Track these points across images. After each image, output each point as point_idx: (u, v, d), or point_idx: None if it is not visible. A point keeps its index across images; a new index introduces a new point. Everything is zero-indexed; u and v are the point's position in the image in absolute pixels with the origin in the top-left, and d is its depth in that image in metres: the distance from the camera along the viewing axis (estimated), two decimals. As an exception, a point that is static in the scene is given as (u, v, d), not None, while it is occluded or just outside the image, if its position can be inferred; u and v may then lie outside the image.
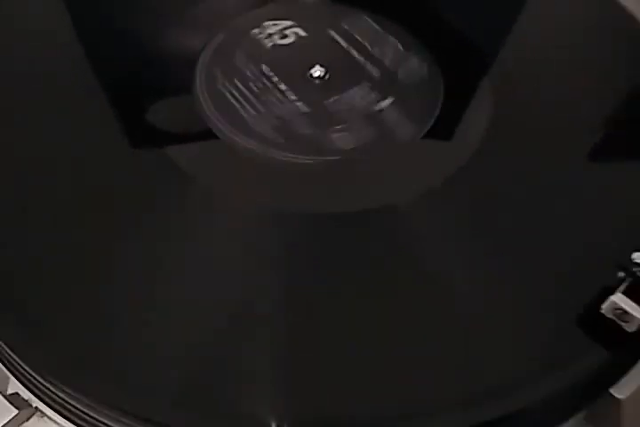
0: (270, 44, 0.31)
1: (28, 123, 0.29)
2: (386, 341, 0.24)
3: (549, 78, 0.32)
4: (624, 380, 0.24)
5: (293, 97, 0.30)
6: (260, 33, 0.31)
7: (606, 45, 0.33)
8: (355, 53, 0.31)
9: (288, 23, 0.32)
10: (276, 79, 0.30)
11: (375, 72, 0.31)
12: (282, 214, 0.27)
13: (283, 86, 0.30)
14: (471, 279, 0.26)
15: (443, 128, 0.30)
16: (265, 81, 0.30)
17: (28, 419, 0.23)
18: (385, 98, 0.30)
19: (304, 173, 0.28)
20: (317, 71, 0.30)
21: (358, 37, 0.32)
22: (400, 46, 0.32)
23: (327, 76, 0.31)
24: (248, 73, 0.30)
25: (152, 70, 0.31)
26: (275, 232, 0.26)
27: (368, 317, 0.24)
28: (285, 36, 0.31)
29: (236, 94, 0.30)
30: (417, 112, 0.30)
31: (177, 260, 0.25)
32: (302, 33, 0.32)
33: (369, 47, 0.32)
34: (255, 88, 0.30)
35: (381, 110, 0.30)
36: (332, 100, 0.30)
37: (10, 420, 0.22)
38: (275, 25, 0.32)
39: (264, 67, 0.31)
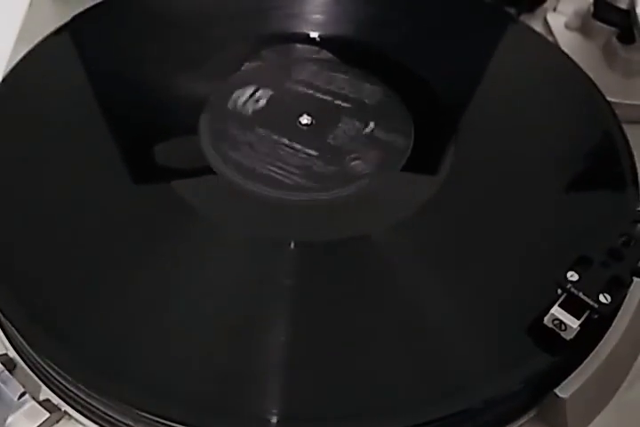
0: (250, 111, 0.36)
1: (51, 164, 0.33)
2: (360, 350, 0.28)
3: (509, 119, 0.37)
4: (567, 381, 0.28)
5: (299, 146, 0.34)
6: (235, 104, 0.36)
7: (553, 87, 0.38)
8: (320, 95, 0.36)
9: (252, 88, 0.37)
10: (275, 137, 0.34)
11: (346, 104, 0.36)
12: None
13: (285, 140, 0.34)
14: (436, 295, 0.30)
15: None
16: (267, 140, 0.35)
17: (57, 421, 0.27)
18: (367, 123, 0.35)
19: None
20: (305, 119, 0.35)
21: (315, 82, 0.37)
22: (352, 78, 0.37)
23: (314, 121, 0.35)
24: (249, 139, 0.35)
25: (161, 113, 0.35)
26: (267, 258, 0.31)
27: (352, 326, 0.28)
28: (258, 100, 0.36)
29: (250, 155, 0.34)
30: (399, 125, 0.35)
31: (189, 275, 0.29)
32: (269, 92, 0.36)
33: (327, 86, 0.36)
34: (264, 148, 0.34)
35: (372, 131, 0.35)
36: (330, 138, 0.35)
37: (42, 422, 0.27)
38: (242, 93, 0.36)
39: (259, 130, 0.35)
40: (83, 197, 0.32)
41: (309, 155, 0.34)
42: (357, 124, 0.35)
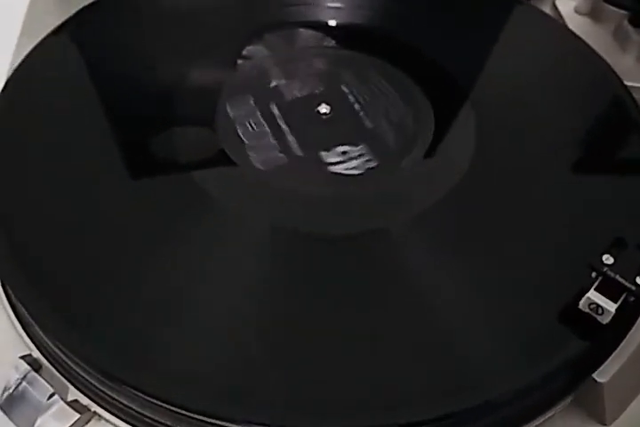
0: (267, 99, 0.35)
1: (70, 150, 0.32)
2: (381, 338, 0.27)
3: (529, 105, 0.36)
4: (604, 366, 0.28)
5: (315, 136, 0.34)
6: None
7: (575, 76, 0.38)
8: (334, 84, 0.36)
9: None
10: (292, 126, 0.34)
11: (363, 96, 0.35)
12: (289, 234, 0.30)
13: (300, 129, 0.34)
14: (468, 281, 0.29)
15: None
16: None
17: (87, 422, 0.27)
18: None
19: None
20: (323, 109, 0.35)
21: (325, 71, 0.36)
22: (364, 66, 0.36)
23: (332, 111, 0.35)
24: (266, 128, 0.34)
25: (177, 105, 0.35)
26: (280, 248, 0.30)
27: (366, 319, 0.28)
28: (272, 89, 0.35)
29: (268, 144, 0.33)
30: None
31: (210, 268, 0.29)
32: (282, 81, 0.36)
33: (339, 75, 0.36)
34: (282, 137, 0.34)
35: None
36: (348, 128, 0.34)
37: (72, 424, 0.26)
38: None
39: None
40: (98, 189, 0.31)
41: (327, 145, 0.34)
42: (374, 113, 0.35)
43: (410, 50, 0.38)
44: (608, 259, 0.27)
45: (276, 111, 0.34)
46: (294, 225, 0.31)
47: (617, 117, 0.35)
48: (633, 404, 0.29)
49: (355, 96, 0.36)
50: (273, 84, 0.36)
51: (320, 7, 0.40)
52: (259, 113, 0.34)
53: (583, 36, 0.41)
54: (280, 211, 0.31)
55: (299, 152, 0.33)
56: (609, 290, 0.27)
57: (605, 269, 0.27)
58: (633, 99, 0.36)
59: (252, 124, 0.34)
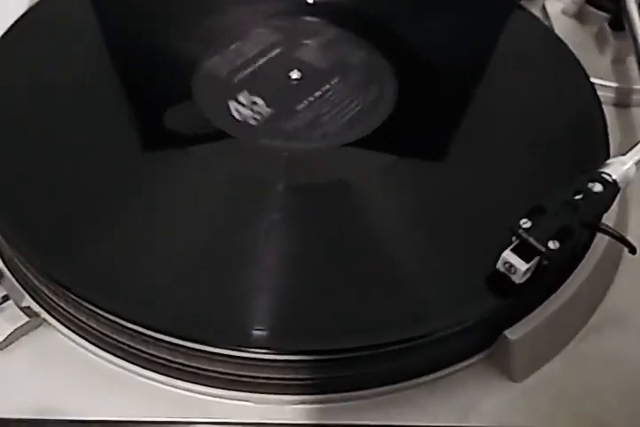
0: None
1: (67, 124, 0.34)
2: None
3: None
4: (518, 324, 0.30)
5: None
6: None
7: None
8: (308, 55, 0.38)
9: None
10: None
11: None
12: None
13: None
14: (403, 234, 0.31)
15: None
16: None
17: (36, 328, 0.30)
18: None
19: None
20: (295, 74, 0.37)
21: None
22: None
23: (303, 77, 0.38)
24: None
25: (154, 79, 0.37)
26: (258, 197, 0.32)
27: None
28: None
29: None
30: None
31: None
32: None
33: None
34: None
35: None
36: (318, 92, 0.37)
37: (21, 326, 0.29)
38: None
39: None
40: (84, 138, 0.34)
41: (297, 106, 0.36)
42: (345, 83, 0.37)
43: (390, 34, 0.41)
44: (526, 223, 0.29)
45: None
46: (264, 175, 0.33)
47: (575, 109, 0.37)
48: (545, 366, 0.31)
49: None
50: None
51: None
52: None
53: (567, 37, 0.43)
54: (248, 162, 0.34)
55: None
56: (523, 251, 0.29)
57: (521, 231, 0.29)
58: (595, 93, 0.38)
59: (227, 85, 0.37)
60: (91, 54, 0.37)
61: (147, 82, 0.37)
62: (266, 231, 0.31)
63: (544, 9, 0.47)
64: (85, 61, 0.37)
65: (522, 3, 0.47)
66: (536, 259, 0.29)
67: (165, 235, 0.30)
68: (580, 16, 0.46)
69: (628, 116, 0.42)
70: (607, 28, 0.44)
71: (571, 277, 0.31)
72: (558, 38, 0.41)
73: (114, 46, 0.38)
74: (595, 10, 0.45)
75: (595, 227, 0.30)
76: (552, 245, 0.28)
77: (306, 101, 0.36)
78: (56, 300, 0.29)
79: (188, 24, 0.39)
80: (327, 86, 0.37)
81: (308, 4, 0.42)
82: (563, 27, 0.46)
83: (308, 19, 0.41)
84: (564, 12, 0.47)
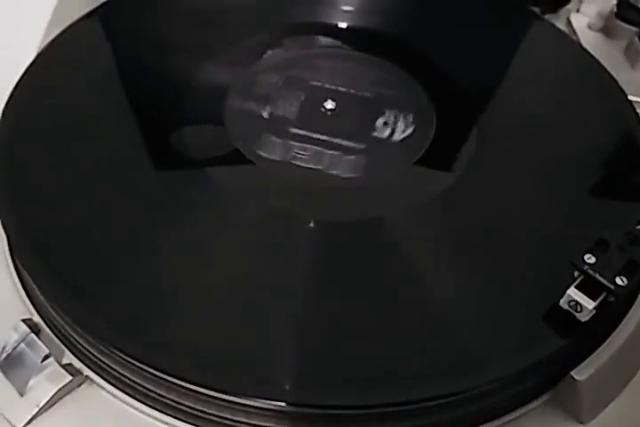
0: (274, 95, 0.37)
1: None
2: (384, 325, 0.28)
3: (532, 114, 0.37)
4: (584, 364, 0.28)
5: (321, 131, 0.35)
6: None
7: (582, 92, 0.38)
8: (341, 86, 0.37)
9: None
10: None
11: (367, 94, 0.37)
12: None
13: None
14: (455, 279, 0.30)
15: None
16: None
17: (79, 385, 0.28)
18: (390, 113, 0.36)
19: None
20: (329, 104, 0.36)
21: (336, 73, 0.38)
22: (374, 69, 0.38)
23: (337, 108, 0.36)
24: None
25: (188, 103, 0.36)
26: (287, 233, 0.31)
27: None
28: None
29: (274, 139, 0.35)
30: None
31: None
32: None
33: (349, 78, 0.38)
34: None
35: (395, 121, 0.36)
36: (353, 125, 0.35)
37: (64, 385, 0.27)
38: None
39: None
40: (111, 173, 0.33)
41: (330, 140, 0.35)
42: (379, 113, 0.36)
43: (419, 57, 0.39)
44: (590, 258, 0.28)
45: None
46: (296, 210, 0.32)
47: (617, 130, 0.36)
48: (612, 404, 0.30)
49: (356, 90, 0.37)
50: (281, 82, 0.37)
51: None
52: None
53: (595, 52, 0.42)
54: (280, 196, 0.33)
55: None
56: (589, 288, 0.27)
57: (586, 267, 0.27)
58: (636, 113, 0.37)
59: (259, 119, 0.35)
60: (115, 89, 0.36)
61: (176, 115, 0.35)
62: (301, 277, 0.29)
63: (569, 23, 0.46)
64: (111, 98, 0.35)
65: (546, 16, 0.46)
66: (602, 295, 0.27)
67: (205, 289, 0.28)
68: (607, 30, 0.45)
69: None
70: (637, 41, 0.43)
71: (631, 310, 0.30)
72: (591, 55, 0.40)
73: (142, 79, 0.36)
74: (623, 24, 0.44)
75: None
76: (620, 280, 0.27)
77: (341, 134, 0.35)
78: (99, 356, 0.27)
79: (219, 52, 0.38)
80: (362, 118, 0.36)
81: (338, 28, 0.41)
82: (590, 41, 0.45)
83: (339, 47, 0.40)
84: (590, 27, 0.46)
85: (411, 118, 0.36)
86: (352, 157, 0.34)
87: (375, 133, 0.35)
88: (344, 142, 0.35)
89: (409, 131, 0.35)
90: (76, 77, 0.36)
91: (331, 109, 0.36)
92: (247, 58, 0.39)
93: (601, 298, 0.27)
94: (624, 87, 0.39)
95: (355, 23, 0.41)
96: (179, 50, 0.38)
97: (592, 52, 0.41)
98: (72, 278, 0.28)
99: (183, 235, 0.30)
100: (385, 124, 0.35)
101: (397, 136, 0.35)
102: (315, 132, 0.35)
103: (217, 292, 0.28)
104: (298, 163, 0.34)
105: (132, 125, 0.34)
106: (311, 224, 0.31)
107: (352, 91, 0.37)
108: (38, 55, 0.36)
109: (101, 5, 0.40)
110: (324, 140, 0.35)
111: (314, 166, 0.34)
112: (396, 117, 0.36)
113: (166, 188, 0.32)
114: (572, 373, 0.28)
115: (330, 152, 0.34)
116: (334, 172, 0.33)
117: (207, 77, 0.38)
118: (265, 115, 0.36)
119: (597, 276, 0.27)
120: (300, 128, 0.35)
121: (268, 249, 0.30)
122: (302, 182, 0.33)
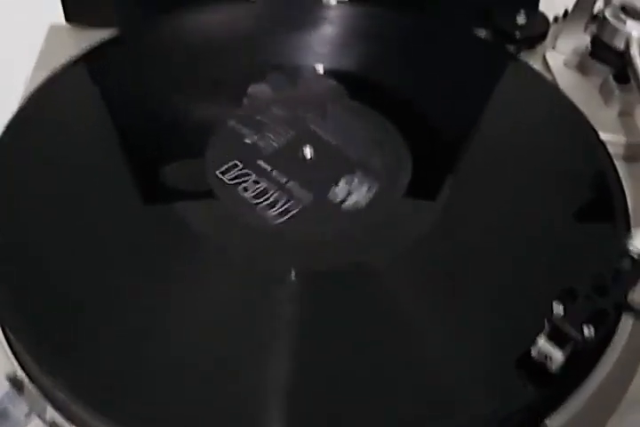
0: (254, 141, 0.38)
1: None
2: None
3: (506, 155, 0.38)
4: (558, 412, 0.29)
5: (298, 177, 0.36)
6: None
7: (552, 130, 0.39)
8: (321, 131, 0.38)
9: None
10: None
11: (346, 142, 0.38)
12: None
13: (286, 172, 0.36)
14: (428, 326, 0.31)
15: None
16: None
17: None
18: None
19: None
20: (308, 153, 0.37)
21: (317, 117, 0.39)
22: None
23: (314, 156, 0.37)
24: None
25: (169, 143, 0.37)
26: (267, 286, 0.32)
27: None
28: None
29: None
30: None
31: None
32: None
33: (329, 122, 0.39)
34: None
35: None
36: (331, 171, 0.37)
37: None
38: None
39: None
40: (91, 217, 0.34)
41: (307, 185, 0.36)
42: (357, 159, 0.37)
43: (396, 100, 0.40)
44: (558, 307, 0.28)
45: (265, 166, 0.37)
46: (277, 262, 0.33)
47: (589, 172, 0.37)
48: (585, 451, 0.30)
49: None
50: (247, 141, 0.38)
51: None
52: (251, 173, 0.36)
53: (570, 90, 0.43)
54: (260, 247, 0.33)
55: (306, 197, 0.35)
56: (557, 338, 0.28)
57: (554, 317, 0.28)
58: (608, 153, 0.38)
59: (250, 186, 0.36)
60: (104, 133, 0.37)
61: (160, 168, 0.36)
62: (292, 332, 0.30)
63: (545, 60, 0.47)
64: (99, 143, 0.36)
65: (521, 54, 0.47)
66: (570, 344, 0.28)
67: (192, 352, 0.29)
68: (582, 68, 0.46)
69: (638, 170, 0.42)
70: (612, 80, 0.44)
71: (603, 358, 0.31)
72: (565, 96, 0.41)
73: (134, 122, 0.37)
74: (598, 63, 0.45)
75: (625, 306, 0.30)
76: (587, 330, 0.28)
77: (320, 182, 0.36)
78: (82, 413, 0.28)
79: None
80: (341, 166, 0.37)
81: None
82: (565, 79, 0.46)
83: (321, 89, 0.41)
84: (565, 64, 0.47)
85: (375, 189, 0.36)
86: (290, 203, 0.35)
87: (330, 192, 0.36)
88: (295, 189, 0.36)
89: (364, 201, 0.35)
90: (55, 134, 0.37)
91: (307, 158, 0.37)
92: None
93: (569, 348, 0.28)
94: (597, 124, 0.39)
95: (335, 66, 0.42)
96: (165, 92, 0.39)
97: (567, 90, 0.43)
98: (53, 336, 0.28)
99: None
100: (347, 183, 0.36)
101: (349, 202, 0.35)
102: (277, 170, 0.36)
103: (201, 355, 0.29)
104: (242, 194, 0.35)
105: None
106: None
107: (335, 144, 0.38)
108: (20, 109, 0.37)
109: (87, 51, 0.41)
110: (278, 181, 0.36)
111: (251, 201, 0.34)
112: (360, 183, 0.36)
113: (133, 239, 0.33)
114: (547, 421, 0.29)
115: (275, 193, 0.35)
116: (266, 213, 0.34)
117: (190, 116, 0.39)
118: (248, 141, 0.37)
119: (565, 325, 0.28)
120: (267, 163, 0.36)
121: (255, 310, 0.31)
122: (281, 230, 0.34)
